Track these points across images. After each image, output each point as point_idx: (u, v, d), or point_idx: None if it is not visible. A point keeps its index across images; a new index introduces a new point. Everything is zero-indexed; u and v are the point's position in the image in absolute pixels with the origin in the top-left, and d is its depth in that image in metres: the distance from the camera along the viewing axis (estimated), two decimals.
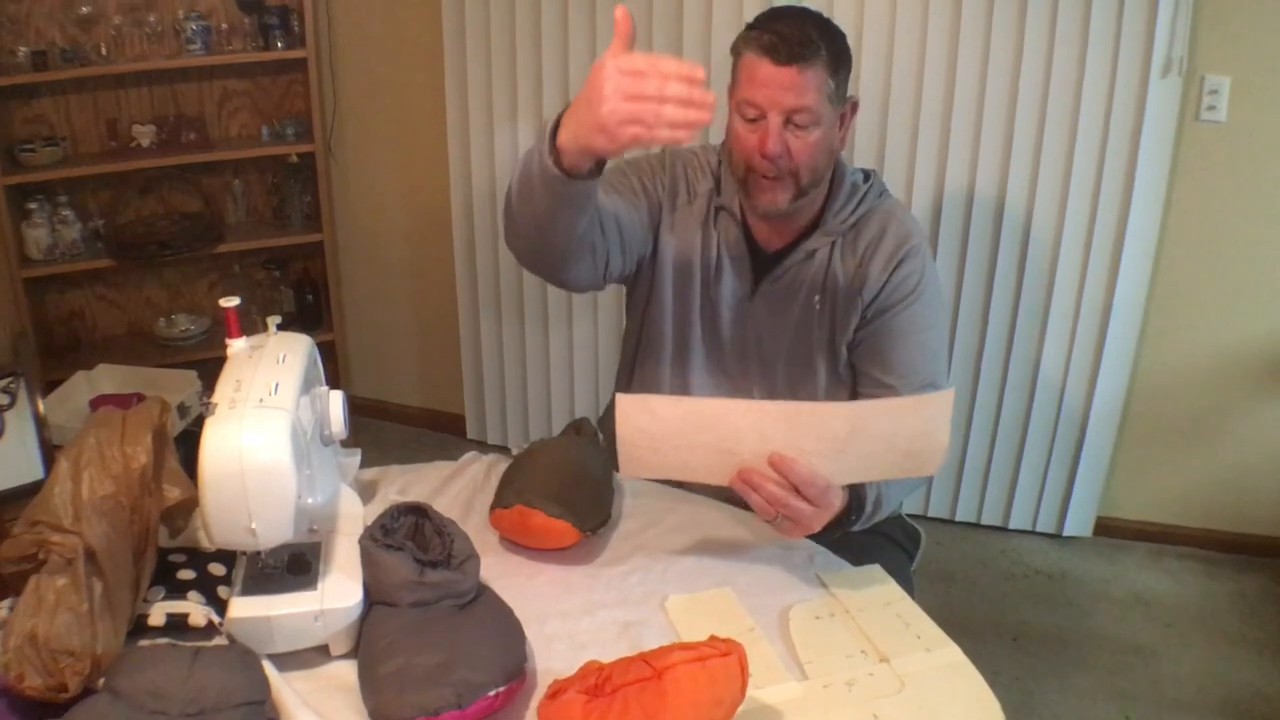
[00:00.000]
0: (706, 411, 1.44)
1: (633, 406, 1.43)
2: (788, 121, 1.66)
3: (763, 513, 1.46)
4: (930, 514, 3.37)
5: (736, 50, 1.71)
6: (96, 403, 2.94)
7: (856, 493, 1.58)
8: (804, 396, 1.85)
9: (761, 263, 1.84)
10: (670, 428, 1.43)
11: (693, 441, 1.44)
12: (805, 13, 1.72)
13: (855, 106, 1.79)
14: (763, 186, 1.72)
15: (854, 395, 1.85)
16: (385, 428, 3.96)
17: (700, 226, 1.86)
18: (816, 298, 1.81)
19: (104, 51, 3.37)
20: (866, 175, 1.87)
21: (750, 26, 1.70)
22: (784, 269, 1.82)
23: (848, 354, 1.83)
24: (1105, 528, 3.30)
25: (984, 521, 3.35)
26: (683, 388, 1.92)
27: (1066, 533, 3.29)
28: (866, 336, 1.80)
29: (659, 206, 1.87)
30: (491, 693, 1.22)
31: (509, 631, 1.33)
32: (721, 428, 1.43)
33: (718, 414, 1.43)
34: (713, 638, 1.22)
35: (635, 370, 2.00)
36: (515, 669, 1.28)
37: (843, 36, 1.72)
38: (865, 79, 2.95)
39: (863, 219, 1.81)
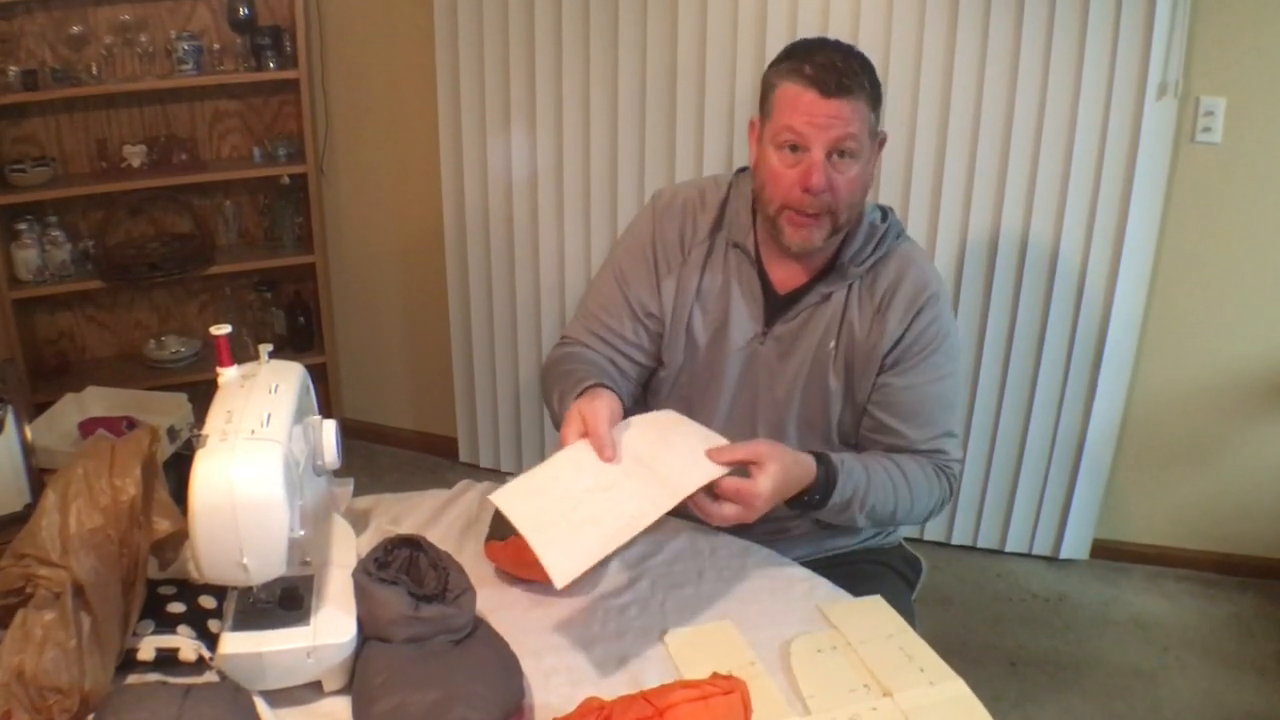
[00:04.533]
0: (561, 461, 1.49)
1: (510, 498, 1.44)
2: (830, 155, 1.62)
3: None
4: (926, 537, 3.35)
5: (770, 83, 1.66)
6: (86, 426, 2.92)
7: (828, 467, 1.60)
8: (813, 442, 1.80)
9: (774, 303, 1.78)
10: (554, 493, 1.45)
11: (578, 494, 1.44)
12: (842, 45, 1.66)
13: (883, 141, 1.73)
14: (798, 223, 1.66)
15: (859, 439, 1.82)
16: (377, 450, 3.93)
17: (699, 270, 1.80)
18: (831, 344, 1.75)
19: (95, 71, 3.35)
20: (884, 214, 1.80)
21: (786, 57, 1.64)
22: (797, 311, 1.76)
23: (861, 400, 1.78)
24: (1102, 550, 3.28)
25: (980, 544, 3.33)
26: None
27: (1063, 555, 3.27)
28: (883, 384, 1.75)
29: (655, 291, 1.83)
30: None
31: (506, 667, 1.30)
32: (584, 466, 1.48)
33: (569, 459, 1.49)
34: (715, 675, 1.20)
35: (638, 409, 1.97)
36: (513, 705, 1.26)
37: (874, 70, 1.68)
38: None
39: (880, 262, 1.75)
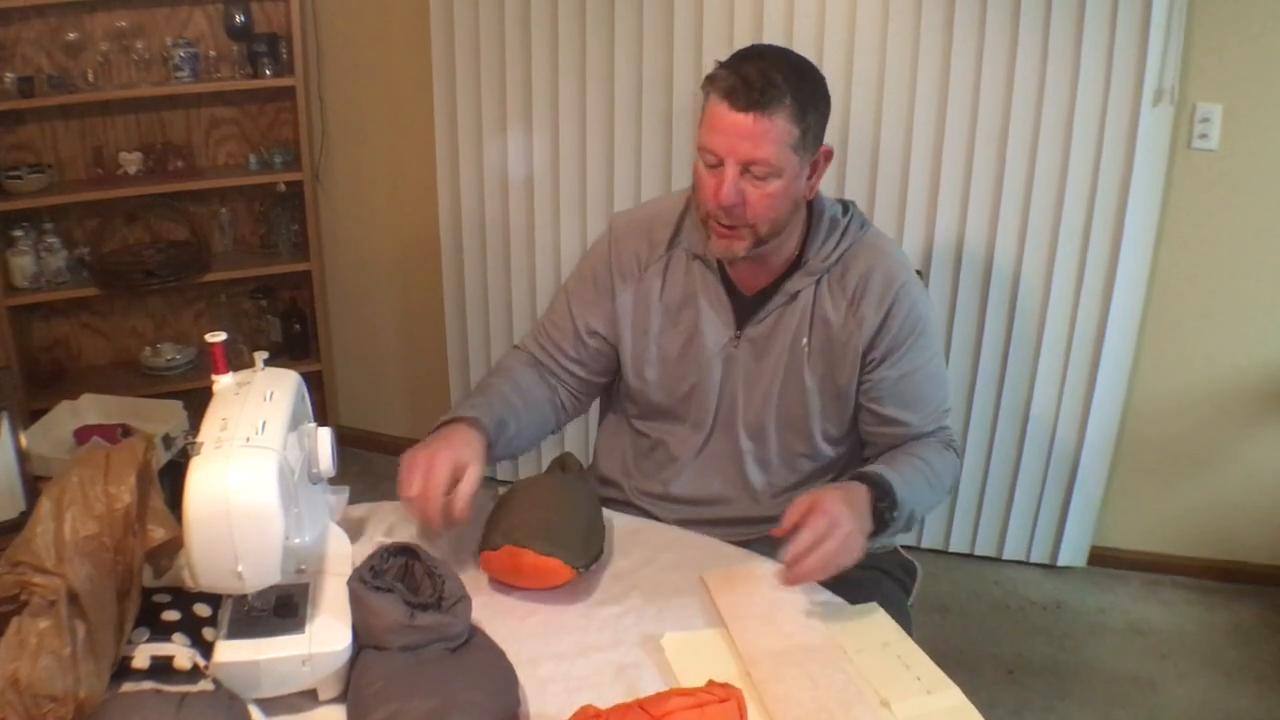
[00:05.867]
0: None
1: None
2: (745, 170, 1.61)
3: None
4: (923, 545, 3.34)
5: (705, 89, 1.65)
6: (81, 433, 2.92)
7: (877, 481, 1.61)
8: (794, 441, 1.83)
9: (742, 306, 1.80)
10: None
11: None
12: (776, 55, 1.65)
13: (829, 155, 1.72)
14: (719, 233, 1.68)
15: (855, 432, 1.85)
16: (373, 458, 3.92)
17: (659, 283, 1.82)
18: (805, 340, 1.76)
19: (91, 78, 3.35)
20: (845, 207, 1.82)
21: (720, 64, 1.64)
22: (767, 312, 1.78)
23: (856, 395, 1.80)
24: (1100, 557, 3.28)
25: (977, 552, 3.32)
26: (666, 434, 1.88)
27: (1061, 563, 3.26)
28: (879, 379, 1.77)
29: (612, 300, 1.85)
30: None
31: (502, 675, 1.30)
32: None
33: None
34: (711, 683, 1.19)
35: (615, 431, 1.99)
36: (509, 714, 1.25)
37: (817, 82, 1.66)
38: (855, 109, 2.94)
39: (847, 255, 1.76)
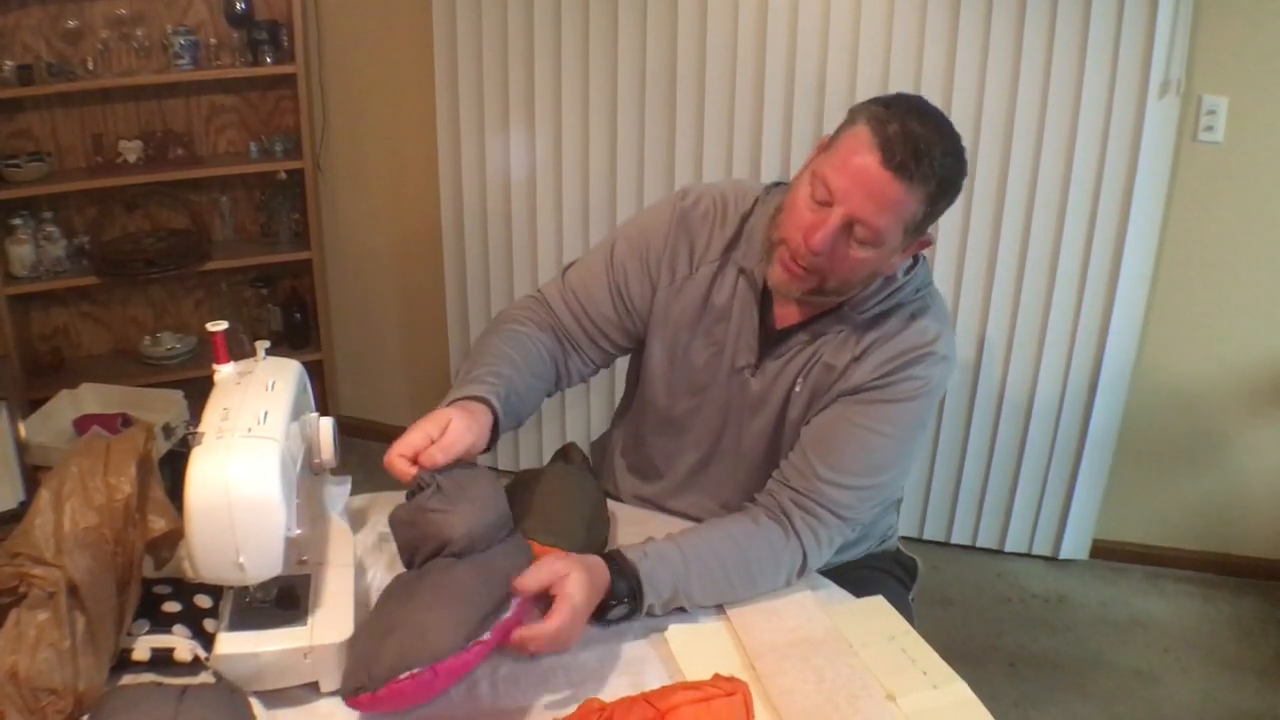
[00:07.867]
0: None
1: None
2: (848, 226, 1.45)
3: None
4: (925, 536, 3.34)
5: (854, 115, 1.48)
6: (81, 423, 2.91)
7: (621, 565, 1.44)
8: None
9: (769, 337, 1.65)
10: None
11: None
12: (940, 123, 1.48)
13: (926, 243, 1.56)
14: (786, 265, 1.52)
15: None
16: (374, 448, 3.90)
17: (706, 287, 1.68)
18: (799, 379, 1.62)
19: (91, 66, 3.34)
20: (914, 262, 1.61)
21: (884, 103, 1.47)
22: (788, 347, 1.63)
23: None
24: (1102, 550, 3.27)
25: (980, 544, 3.32)
26: (666, 446, 1.80)
27: (1063, 556, 3.26)
28: (824, 408, 1.60)
29: (653, 286, 1.71)
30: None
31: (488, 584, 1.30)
32: None
33: None
34: (716, 676, 1.19)
35: (627, 422, 1.90)
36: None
37: (962, 171, 1.49)
38: (859, 98, 2.91)
39: (888, 312, 1.58)
